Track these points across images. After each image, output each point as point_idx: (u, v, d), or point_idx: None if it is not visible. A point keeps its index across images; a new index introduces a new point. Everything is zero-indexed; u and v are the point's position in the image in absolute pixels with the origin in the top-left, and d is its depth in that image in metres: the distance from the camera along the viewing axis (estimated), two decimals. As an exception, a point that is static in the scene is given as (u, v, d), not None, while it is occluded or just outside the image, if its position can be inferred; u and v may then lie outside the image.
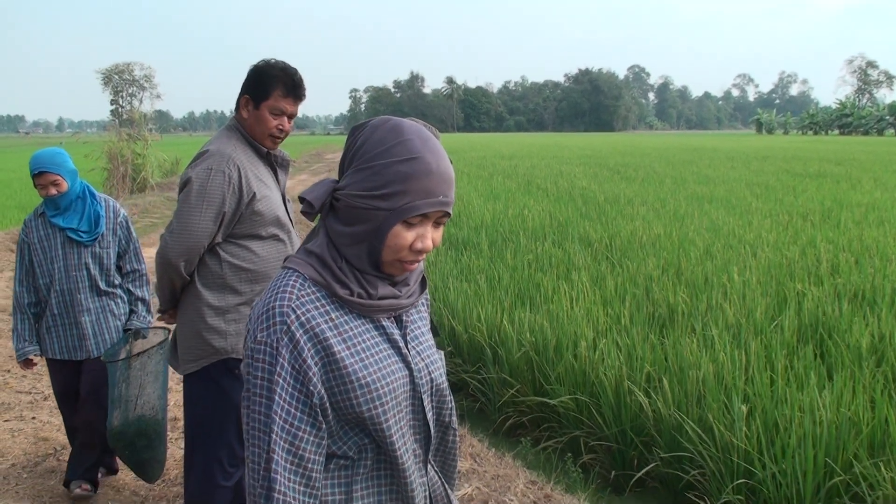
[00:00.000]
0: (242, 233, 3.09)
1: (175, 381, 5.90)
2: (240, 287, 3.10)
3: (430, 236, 1.50)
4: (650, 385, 4.70)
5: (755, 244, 9.01)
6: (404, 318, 1.61)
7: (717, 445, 4.02)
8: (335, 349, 1.45)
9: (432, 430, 1.62)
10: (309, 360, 1.43)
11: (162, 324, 3.66)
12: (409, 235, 1.47)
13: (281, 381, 1.41)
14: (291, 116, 3.15)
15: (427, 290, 1.74)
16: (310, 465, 1.44)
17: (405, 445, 1.54)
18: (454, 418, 1.71)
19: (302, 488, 1.43)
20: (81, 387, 4.07)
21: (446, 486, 1.71)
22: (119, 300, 4.10)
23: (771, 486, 3.75)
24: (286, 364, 1.41)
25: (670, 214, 12.15)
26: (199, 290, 3.11)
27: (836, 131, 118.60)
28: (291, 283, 1.48)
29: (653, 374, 4.77)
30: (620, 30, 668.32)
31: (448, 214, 1.53)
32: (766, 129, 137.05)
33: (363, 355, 1.48)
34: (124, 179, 21.97)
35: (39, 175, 3.85)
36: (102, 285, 4.01)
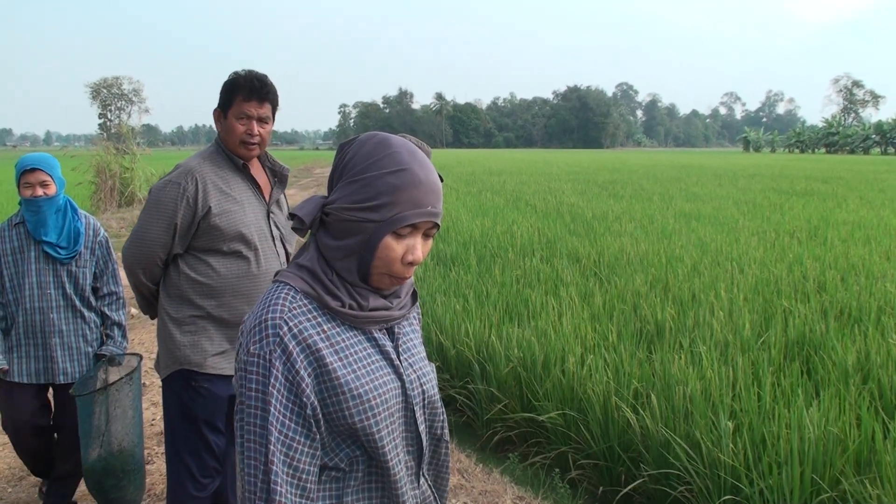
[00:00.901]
0: (202, 246, 3.09)
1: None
2: (196, 300, 3.10)
3: (420, 248, 1.51)
4: (638, 401, 4.70)
5: (742, 261, 9.05)
6: (396, 330, 1.62)
7: (704, 461, 4.02)
8: (327, 360, 1.46)
9: (424, 442, 1.62)
10: (302, 372, 1.43)
11: (137, 350, 3.61)
12: (398, 247, 1.48)
13: (275, 392, 1.41)
14: (262, 120, 3.12)
15: (418, 304, 1.75)
16: (304, 476, 1.44)
17: (398, 457, 1.55)
18: (446, 431, 1.71)
19: (298, 499, 1.43)
20: (58, 414, 3.89)
21: (438, 499, 1.71)
22: (92, 325, 3.89)
23: (758, 503, 3.75)
24: (280, 375, 1.42)
25: (658, 231, 12.19)
26: (162, 300, 3.18)
27: (823, 150, 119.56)
28: (283, 295, 1.49)
29: (640, 390, 4.77)
30: (609, 48, 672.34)
31: (437, 226, 1.54)
32: (754, 147, 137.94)
33: (355, 366, 1.49)
34: (112, 193, 21.93)
35: (31, 172, 3.66)
36: (78, 305, 3.81)
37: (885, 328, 5.83)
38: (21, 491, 4.37)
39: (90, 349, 3.85)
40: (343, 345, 1.50)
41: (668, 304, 6.68)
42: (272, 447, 1.40)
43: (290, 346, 1.43)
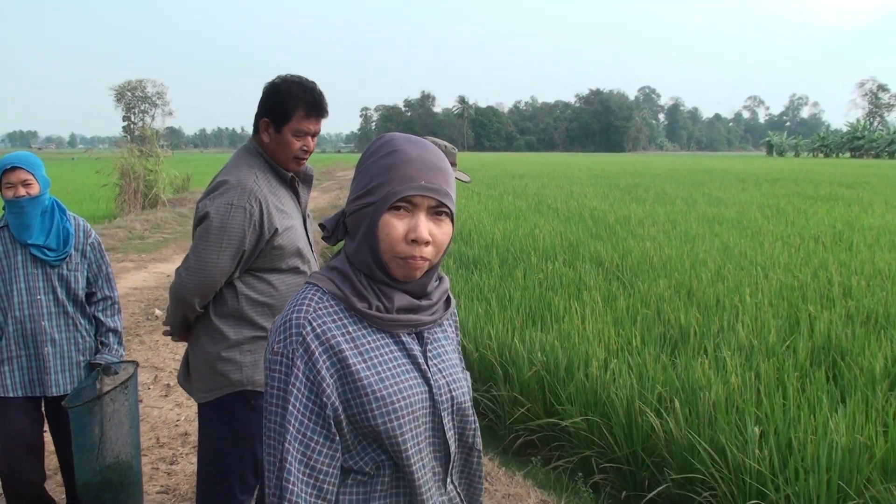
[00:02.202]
0: (262, 266, 2.97)
1: (186, 398, 5.91)
2: (257, 320, 2.98)
3: (424, 227, 1.48)
4: (662, 406, 4.68)
5: (767, 266, 8.99)
6: (426, 334, 1.61)
7: (729, 467, 4.00)
8: (350, 361, 1.46)
9: (452, 449, 1.61)
10: (323, 372, 1.44)
11: (131, 358, 3.48)
12: (399, 225, 1.47)
13: (295, 391, 1.43)
14: (315, 135, 3.00)
15: (455, 312, 1.74)
16: (321, 477, 1.45)
17: (422, 461, 1.54)
18: (478, 440, 1.70)
19: (313, 499, 1.44)
20: (54, 429, 3.70)
21: None
22: (85, 332, 3.65)
23: (784, 509, 3.72)
24: (301, 375, 1.43)
25: (681, 235, 12.14)
26: (214, 323, 2.99)
27: (847, 154, 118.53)
28: (310, 296, 1.51)
29: (664, 394, 4.76)
30: (631, 51, 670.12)
31: (444, 205, 1.51)
32: (777, 151, 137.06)
33: (379, 368, 1.49)
34: (136, 195, 22.12)
35: (11, 171, 3.42)
36: (70, 312, 3.58)
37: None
38: None
39: (82, 358, 3.63)
40: (368, 347, 1.50)
41: (691, 309, 6.65)
42: (288, 445, 1.42)
43: (313, 346, 1.44)
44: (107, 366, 3.64)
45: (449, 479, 1.63)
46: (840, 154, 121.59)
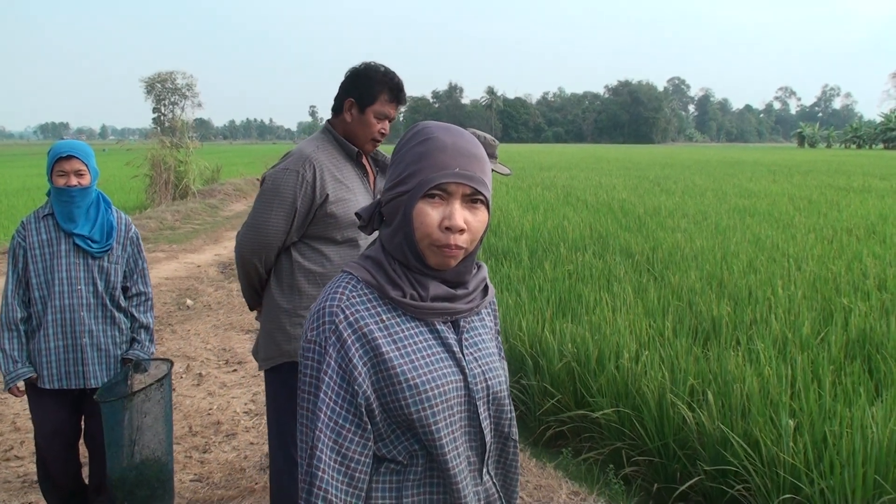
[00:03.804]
0: (316, 234, 3.09)
1: (218, 386, 5.96)
2: (308, 290, 3.09)
3: (460, 215, 1.48)
4: (693, 398, 4.65)
5: (799, 258, 8.89)
6: (462, 323, 1.60)
7: (763, 460, 3.97)
8: (383, 349, 1.46)
9: (487, 438, 1.60)
10: (355, 360, 1.45)
11: (168, 356, 3.46)
12: (433, 213, 1.47)
13: (327, 378, 1.44)
14: (391, 120, 3.17)
15: (494, 301, 1.73)
16: (353, 465, 1.45)
17: (457, 450, 1.53)
18: (514, 429, 1.69)
19: (344, 486, 1.44)
20: (89, 423, 3.65)
21: (505, 500, 1.69)
22: (122, 326, 3.63)
23: (819, 502, 3.68)
24: (332, 363, 1.44)
25: (712, 227, 12.04)
26: (273, 290, 3.15)
27: (881, 145, 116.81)
28: (344, 284, 1.51)
29: (696, 387, 4.72)
30: (661, 42, 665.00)
31: (479, 193, 1.50)
32: (809, 142, 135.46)
33: (413, 357, 1.49)
34: (167, 186, 22.30)
35: (66, 160, 3.39)
36: (108, 305, 3.55)
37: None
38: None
39: (119, 352, 3.61)
40: (401, 335, 1.50)
41: (723, 301, 6.59)
42: (318, 432, 1.43)
43: (345, 335, 1.45)
44: (137, 362, 3.64)
45: (485, 470, 1.62)
46: (873, 145, 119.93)
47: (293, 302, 3.10)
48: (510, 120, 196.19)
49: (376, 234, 3.12)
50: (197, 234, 15.57)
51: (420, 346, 1.51)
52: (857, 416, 3.99)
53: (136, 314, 3.69)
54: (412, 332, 1.52)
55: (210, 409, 5.49)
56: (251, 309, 3.43)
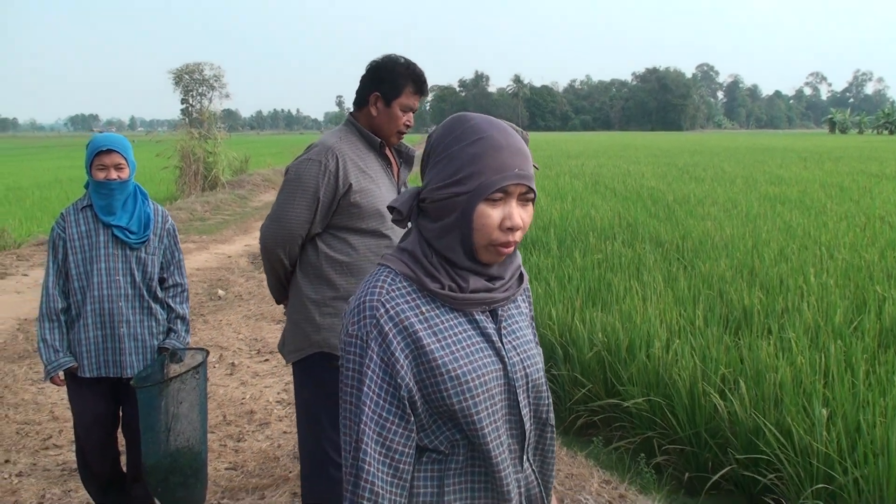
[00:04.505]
0: (341, 224, 3.11)
1: (251, 376, 6.03)
2: (336, 280, 3.11)
3: (518, 214, 1.51)
4: (725, 387, 4.63)
5: (831, 246, 8.80)
6: (500, 312, 1.62)
7: (795, 449, 3.95)
8: (424, 342, 1.48)
9: (527, 426, 1.62)
10: (397, 353, 1.46)
11: (200, 345, 3.47)
12: (494, 214, 1.49)
13: (370, 372, 1.45)
14: (415, 111, 3.21)
15: (528, 287, 1.75)
16: (397, 457, 1.47)
17: (499, 439, 1.55)
18: (552, 415, 1.71)
19: (390, 478, 1.46)
20: (127, 412, 3.67)
21: (543, 486, 1.71)
22: (159, 317, 3.66)
23: (852, 492, 3.67)
24: (375, 356, 1.46)
25: (742, 215, 11.95)
26: (300, 281, 3.17)
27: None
28: (382, 278, 1.52)
29: (728, 376, 4.71)
30: (689, 28, 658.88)
31: (532, 190, 1.53)
32: (840, 128, 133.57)
33: (454, 348, 1.50)
34: (196, 177, 22.46)
35: (106, 153, 3.43)
36: (146, 296, 3.58)
37: None
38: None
39: (155, 342, 3.64)
40: (441, 326, 1.51)
41: (755, 290, 6.56)
42: (363, 426, 1.44)
43: (387, 328, 1.46)
44: (173, 351, 3.66)
45: (525, 457, 1.64)
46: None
47: (321, 292, 3.12)
48: (537, 108, 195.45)
49: (388, 222, 3.18)
50: (227, 225, 15.69)
51: (460, 336, 1.53)
52: (892, 405, 3.97)
53: (172, 305, 3.72)
54: (451, 323, 1.53)
55: (243, 399, 5.55)
56: (278, 303, 3.46)
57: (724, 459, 4.35)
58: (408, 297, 1.51)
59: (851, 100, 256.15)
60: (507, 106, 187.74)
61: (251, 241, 13.19)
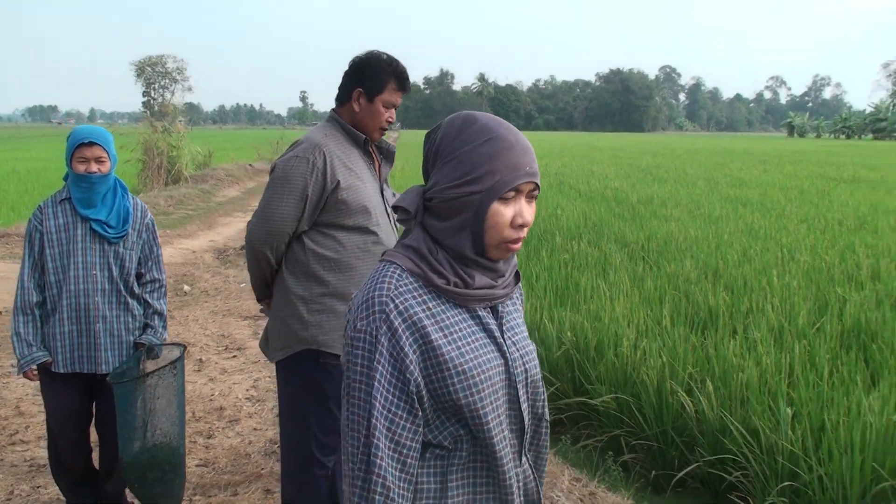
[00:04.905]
0: (327, 221, 3.10)
1: (219, 372, 6.00)
2: (324, 276, 3.10)
3: (528, 211, 1.56)
4: (693, 386, 4.70)
5: (793, 248, 8.96)
6: (500, 308, 1.65)
7: (762, 447, 4.03)
8: (432, 337, 1.50)
9: (526, 421, 1.65)
10: (406, 348, 1.48)
11: (177, 340, 3.43)
12: (507, 212, 1.52)
13: (380, 367, 1.47)
14: (397, 108, 3.22)
15: (520, 283, 1.78)
16: (405, 451, 1.49)
17: (502, 433, 1.58)
18: (547, 410, 1.74)
19: (399, 473, 1.48)
20: (101, 408, 3.64)
21: (537, 479, 1.74)
22: (136, 313, 3.61)
23: (817, 489, 3.75)
24: (385, 351, 1.47)
25: (705, 216, 12.12)
26: (286, 279, 3.15)
27: (870, 136, 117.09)
28: (390, 273, 1.54)
29: (695, 375, 4.78)
30: (652, 30, 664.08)
31: (538, 187, 1.57)
32: (798, 132, 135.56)
33: (459, 343, 1.53)
34: (159, 171, 22.23)
35: (88, 146, 3.37)
36: (122, 291, 3.53)
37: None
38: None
39: (131, 338, 3.59)
40: (448, 322, 1.54)
41: (719, 290, 6.66)
42: (374, 420, 1.46)
43: (396, 323, 1.48)
44: (150, 347, 3.61)
45: (524, 451, 1.67)
46: (862, 136, 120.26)
47: (309, 289, 3.12)
48: (501, 107, 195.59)
49: (382, 220, 3.19)
50: (191, 220, 15.53)
51: (465, 332, 1.55)
52: (855, 404, 4.06)
53: (149, 300, 3.68)
54: (456, 318, 1.56)
55: (212, 395, 5.52)
56: (259, 300, 3.42)
57: (691, 457, 4.42)
58: (415, 293, 1.53)
59: (810, 104, 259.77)
60: (471, 104, 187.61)
61: (216, 236, 13.10)
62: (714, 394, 4.47)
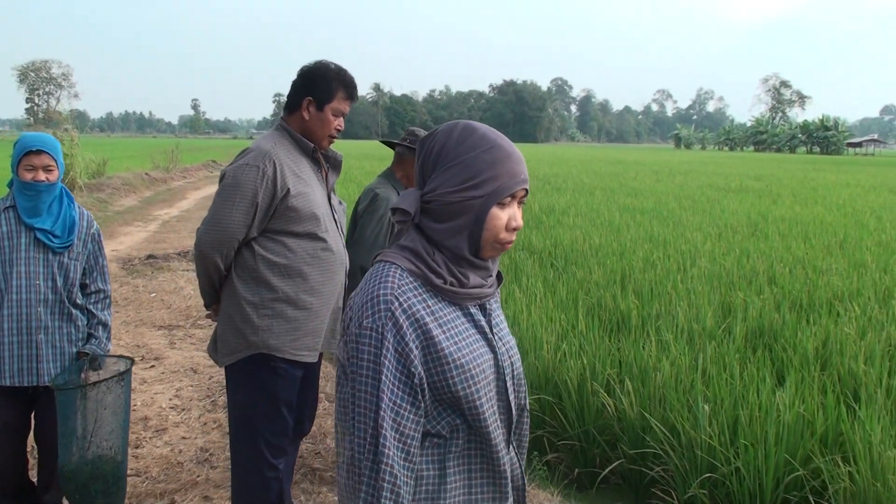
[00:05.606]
0: (277, 228, 3.14)
1: (139, 382, 5.90)
2: (273, 281, 3.13)
3: (519, 214, 1.69)
4: (612, 386, 4.88)
5: (693, 254, 9.35)
6: (488, 306, 1.76)
7: (681, 443, 4.22)
8: (433, 333, 1.59)
9: (514, 411, 1.76)
10: (411, 344, 1.57)
11: (123, 353, 3.37)
12: (503, 216, 1.65)
13: (387, 362, 1.55)
14: (345, 116, 3.29)
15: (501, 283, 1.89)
16: (409, 441, 1.57)
17: (496, 422, 1.69)
18: (528, 401, 1.86)
19: (403, 462, 1.56)
20: (41, 419, 3.58)
21: (521, 466, 1.85)
22: (79, 323, 3.55)
23: (734, 480, 3.97)
24: (391, 347, 1.55)
25: (606, 225, 12.49)
26: (235, 284, 3.17)
27: (752, 148, 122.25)
28: (391, 273, 1.62)
29: (614, 375, 4.95)
30: (544, 42, 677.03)
31: (528, 192, 1.70)
32: (685, 143, 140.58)
33: (456, 339, 1.63)
34: (51, 179, 21.43)
35: (36, 154, 3.31)
36: (66, 301, 3.47)
37: (837, 319, 6.13)
38: None
39: (74, 350, 3.52)
40: (445, 319, 1.64)
41: (629, 295, 6.90)
42: (382, 413, 1.54)
43: (401, 320, 1.57)
44: (93, 357, 3.55)
45: (511, 439, 1.78)
46: (744, 148, 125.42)
47: (259, 294, 3.14)
48: (397, 117, 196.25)
49: (330, 226, 3.24)
50: (87, 230, 15.07)
51: (460, 328, 1.66)
52: (765, 400, 4.30)
53: (94, 311, 3.63)
54: (452, 316, 1.66)
55: (135, 405, 5.41)
56: (207, 307, 3.42)
57: (613, 455, 4.59)
58: (416, 292, 1.62)
59: (695, 116, 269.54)
60: (366, 114, 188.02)
61: (118, 245, 12.78)
62: (634, 393, 4.65)
